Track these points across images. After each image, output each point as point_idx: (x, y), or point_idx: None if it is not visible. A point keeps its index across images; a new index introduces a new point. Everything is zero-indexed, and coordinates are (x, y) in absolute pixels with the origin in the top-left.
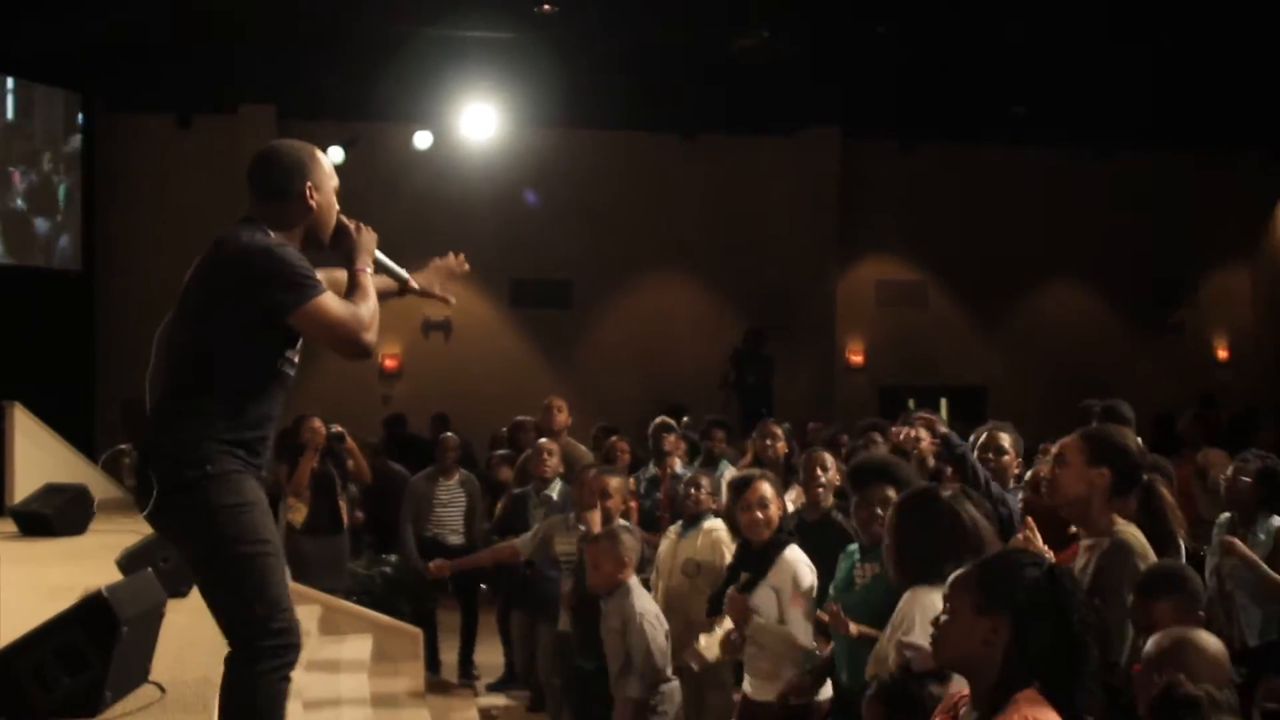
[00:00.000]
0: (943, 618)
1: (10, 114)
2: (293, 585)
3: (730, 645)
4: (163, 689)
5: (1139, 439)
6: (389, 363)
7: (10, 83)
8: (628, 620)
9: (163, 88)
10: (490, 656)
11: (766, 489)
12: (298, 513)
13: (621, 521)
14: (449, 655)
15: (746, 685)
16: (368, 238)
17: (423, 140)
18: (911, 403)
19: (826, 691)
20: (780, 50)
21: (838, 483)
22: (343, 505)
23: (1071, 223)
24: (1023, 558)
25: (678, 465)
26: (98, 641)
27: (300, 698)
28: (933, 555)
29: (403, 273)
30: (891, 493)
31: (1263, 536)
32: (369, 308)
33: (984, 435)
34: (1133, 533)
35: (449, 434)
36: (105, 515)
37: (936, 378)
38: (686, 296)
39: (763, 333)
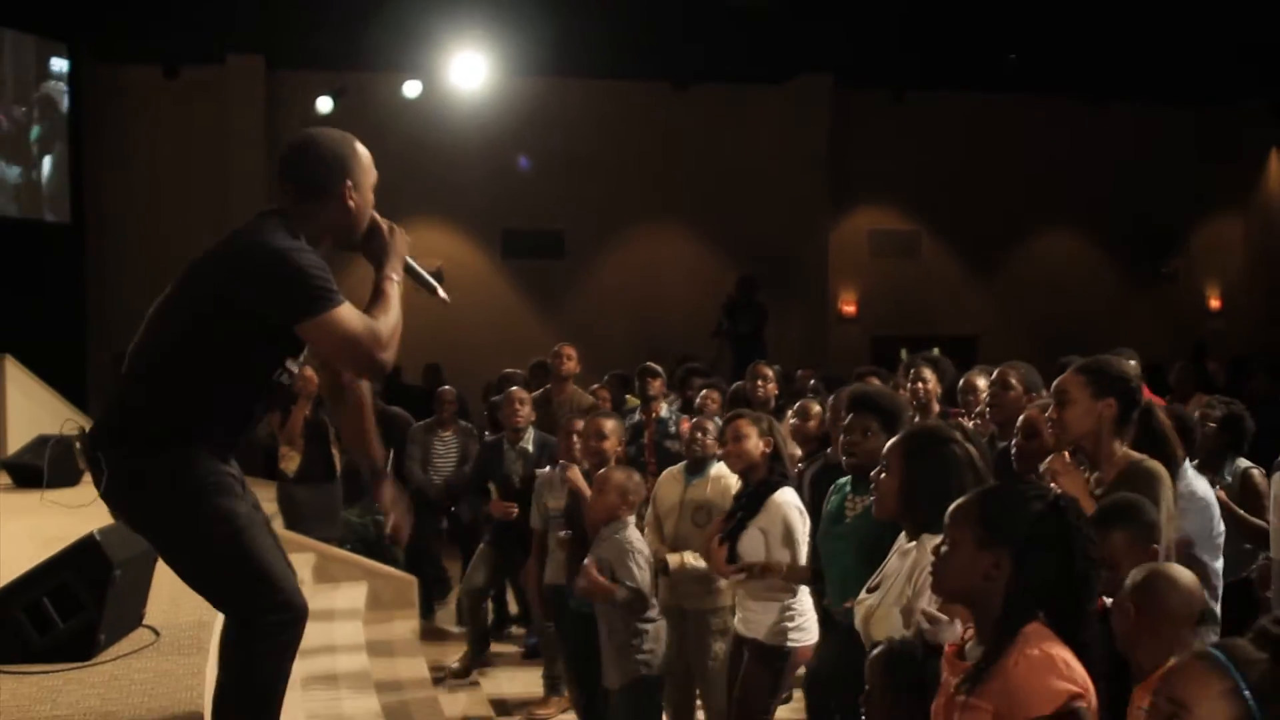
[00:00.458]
0: (943, 548)
1: None
2: (286, 534)
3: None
4: (157, 632)
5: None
6: None
7: None
8: (621, 552)
9: (149, 38)
10: None
11: (744, 425)
12: (291, 461)
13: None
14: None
15: (737, 623)
16: (400, 241)
17: (412, 90)
18: (904, 352)
19: (810, 637)
20: None
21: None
22: (336, 453)
23: (1064, 172)
24: (1026, 490)
25: (663, 409)
26: (91, 585)
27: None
28: (946, 499)
29: (433, 281)
30: (875, 424)
31: (1229, 479)
32: (389, 322)
33: (962, 380)
34: (1152, 464)
35: (446, 387)
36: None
37: (929, 327)
38: (679, 245)
39: (755, 281)
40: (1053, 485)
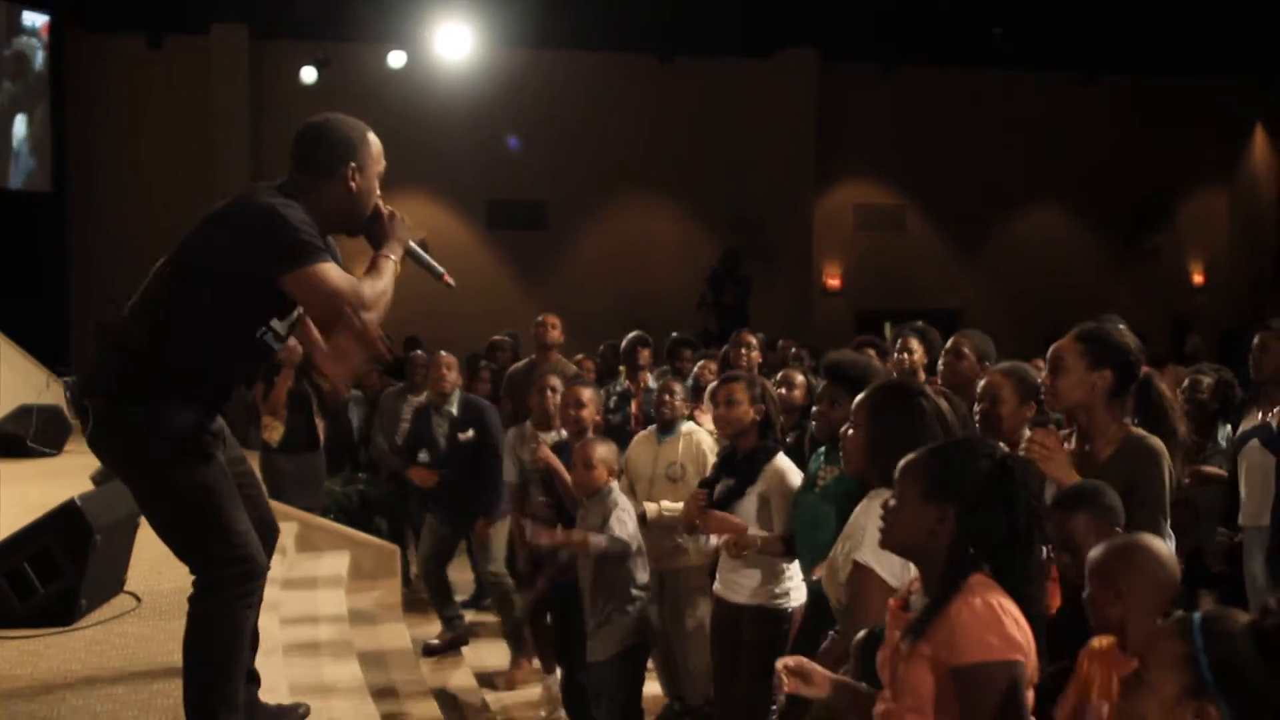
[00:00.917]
0: (890, 502)
1: None
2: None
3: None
4: (138, 598)
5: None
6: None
7: None
8: (607, 515)
9: (132, 7)
10: (460, 574)
11: (736, 389)
12: (274, 431)
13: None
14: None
15: (718, 586)
16: (402, 227)
17: (396, 60)
18: (888, 326)
19: (801, 596)
20: None
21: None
22: (319, 423)
23: (1050, 147)
24: (975, 447)
25: (650, 380)
26: (71, 550)
27: (277, 614)
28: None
29: (438, 267)
30: (843, 393)
31: (1223, 444)
32: (375, 288)
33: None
34: (1150, 440)
35: (418, 352)
36: (81, 435)
37: (913, 301)
38: (663, 218)
39: (739, 255)
40: (1027, 450)
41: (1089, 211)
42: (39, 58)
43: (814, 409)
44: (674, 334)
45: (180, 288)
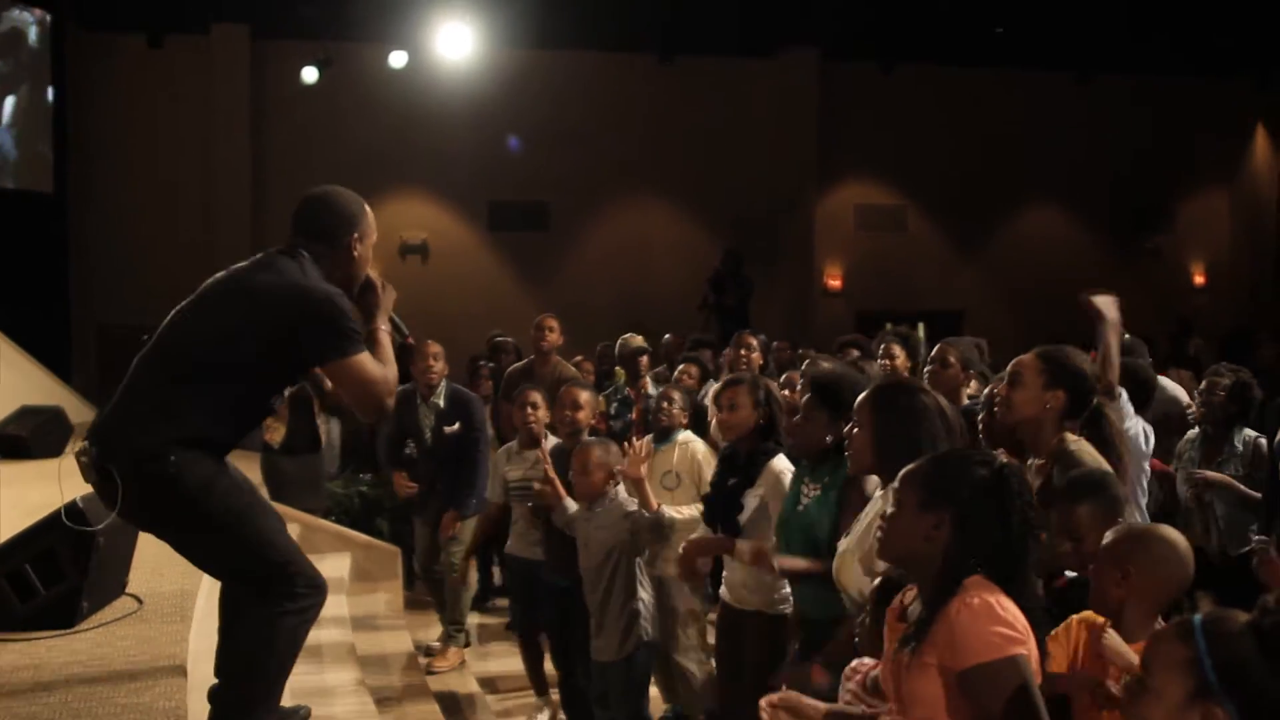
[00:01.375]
0: (889, 509)
1: None
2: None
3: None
4: (140, 600)
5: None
6: None
7: None
8: (611, 500)
9: (133, 7)
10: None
11: (739, 393)
12: (275, 432)
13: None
14: None
15: (723, 591)
16: (388, 296)
17: (398, 60)
18: (889, 326)
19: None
20: None
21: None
22: (321, 425)
23: (1051, 146)
24: (973, 455)
25: (650, 386)
26: (74, 552)
27: None
28: (921, 448)
29: (405, 329)
30: (819, 410)
31: (1240, 447)
32: (393, 369)
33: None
34: (1082, 445)
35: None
36: (83, 437)
37: (914, 302)
38: (665, 218)
39: (741, 255)
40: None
41: (1089, 212)
42: (32, 33)
43: (793, 421)
44: (694, 336)
45: (218, 352)
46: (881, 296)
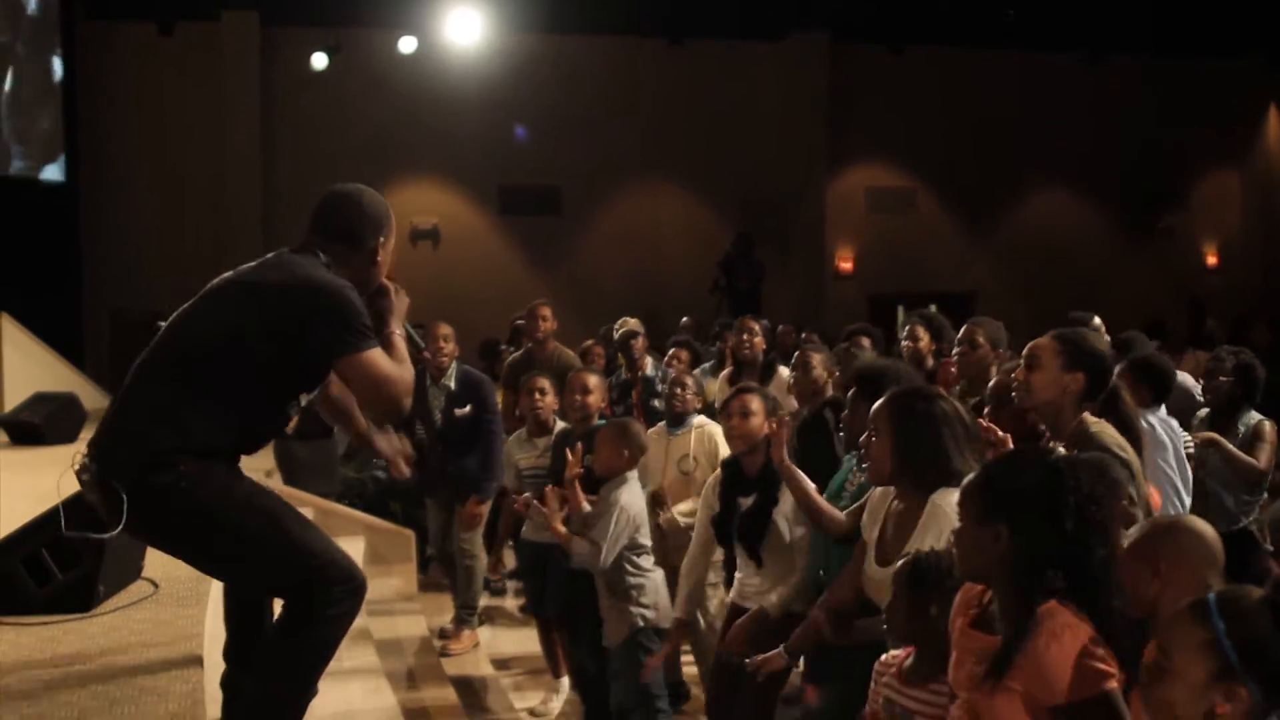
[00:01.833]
0: (959, 526)
1: None
2: (285, 489)
3: None
4: (156, 584)
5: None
6: None
7: None
8: (610, 506)
9: None
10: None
11: (752, 401)
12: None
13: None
14: None
15: (734, 593)
16: (402, 303)
17: (407, 46)
18: (900, 310)
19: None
20: None
21: (825, 379)
22: None
23: (1062, 128)
24: (1023, 458)
25: (649, 368)
26: (88, 538)
27: None
28: (944, 455)
29: (419, 340)
30: (864, 403)
31: (1242, 429)
32: (410, 372)
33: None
34: (1104, 428)
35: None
36: (96, 424)
37: (926, 284)
38: (676, 202)
39: (752, 238)
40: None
41: (1101, 193)
42: (31, 4)
43: (851, 421)
44: (721, 320)
45: (227, 354)
46: (893, 279)
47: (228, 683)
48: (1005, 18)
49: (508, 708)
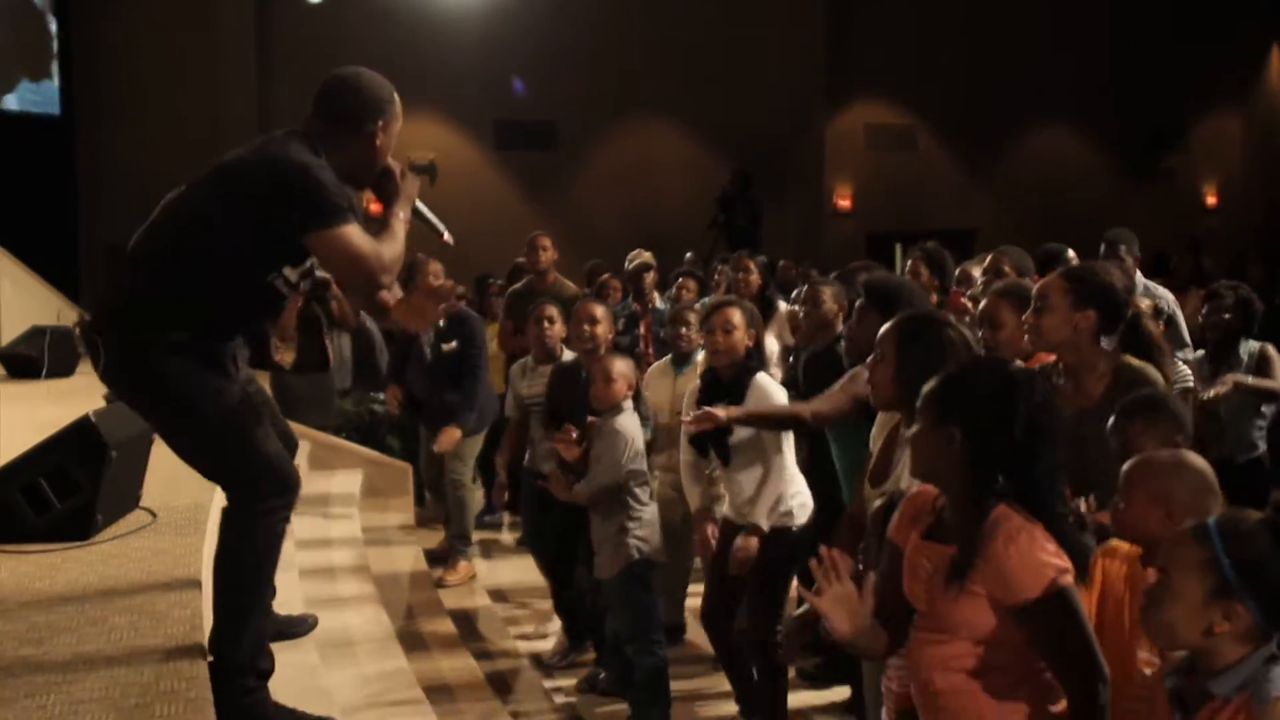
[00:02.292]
0: (915, 429)
1: None
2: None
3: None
4: (154, 513)
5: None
6: (374, 207)
7: None
8: (610, 443)
9: None
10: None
11: (734, 315)
12: (286, 354)
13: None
14: None
15: (727, 510)
16: (410, 184)
17: None
18: (898, 247)
19: (805, 515)
20: None
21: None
22: (329, 343)
23: (1064, 67)
24: (982, 366)
25: (657, 301)
26: (87, 466)
27: (291, 533)
28: None
29: (440, 225)
30: (874, 314)
31: (1245, 358)
32: (392, 250)
33: (959, 270)
34: (1147, 367)
35: (493, 281)
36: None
37: (925, 222)
38: (673, 137)
39: (750, 175)
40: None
41: (1102, 131)
42: None
43: (846, 325)
44: (742, 251)
45: (194, 226)
46: (892, 216)
47: None
48: None
49: (505, 638)
